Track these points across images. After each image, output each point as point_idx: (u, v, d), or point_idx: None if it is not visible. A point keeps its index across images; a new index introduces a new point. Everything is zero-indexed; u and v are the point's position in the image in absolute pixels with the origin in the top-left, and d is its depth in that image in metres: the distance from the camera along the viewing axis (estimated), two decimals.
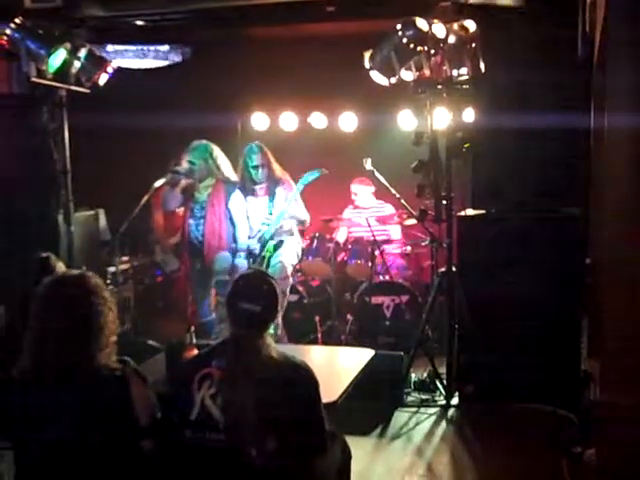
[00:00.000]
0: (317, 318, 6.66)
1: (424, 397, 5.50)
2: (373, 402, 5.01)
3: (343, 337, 6.56)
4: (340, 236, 7.20)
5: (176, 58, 6.92)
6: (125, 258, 7.09)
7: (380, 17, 5.57)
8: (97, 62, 5.61)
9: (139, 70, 6.77)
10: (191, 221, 6.21)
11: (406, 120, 7.23)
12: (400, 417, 5.22)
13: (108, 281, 6.38)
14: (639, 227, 3.61)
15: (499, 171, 5.26)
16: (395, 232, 7.23)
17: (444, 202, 5.41)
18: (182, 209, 6.29)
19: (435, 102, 5.40)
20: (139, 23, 5.75)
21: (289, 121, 7.75)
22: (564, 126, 4.87)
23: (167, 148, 6.56)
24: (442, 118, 5.56)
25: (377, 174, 6.36)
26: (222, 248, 6.12)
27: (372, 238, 6.58)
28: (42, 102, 5.65)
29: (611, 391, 3.67)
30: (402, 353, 5.47)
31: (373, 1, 5.42)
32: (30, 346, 2.60)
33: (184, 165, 6.12)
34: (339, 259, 7.02)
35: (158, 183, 5.99)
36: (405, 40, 4.88)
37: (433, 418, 5.21)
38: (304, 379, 2.79)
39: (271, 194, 6.22)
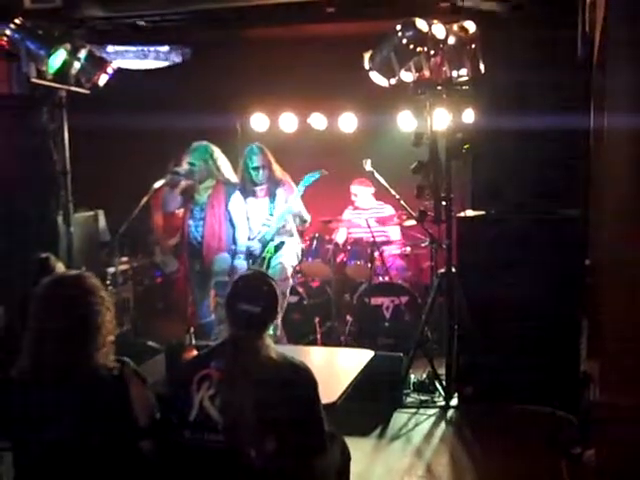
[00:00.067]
0: (317, 319, 6.65)
1: (423, 398, 5.50)
2: (372, 403, 5.01)
3: (342, 338, 6.56)
4: (340, 237, 7.20)
5: (176, 59, 6.93)
6: (124, 259, 7.10)
7: (380, 18, 5.57)
8: (97, 63, 5.61)
9: (139, 71, 6.78)
10: (191, 222, 6.20)
11: (406, 121, 7.23)
12: (399, 418, 5.22)
13: (107, 282, 6.38)
14: (639, 228, 3.60)
15: (499, 172, 5.26)
16: (394, 233, 7.23)
17: (444, 203, 5.41)
18: (182, 210, 6.28)
19: (435, 103, 5.40)
20: (139, 24, 5.75)
21: (289, 122, 7.75)
22: (564, 127, 4.87)
23: (167, 149, 6.56)
24: (442, 119, 5.56)
25: (377, 175, 6.36)
26: (221, 250, 6.11)
27: (372, 239, 6.59)
28: (42, 103, 5.65)
29: (610, 392, 3.67)
30: (401, 354, 5.47)
31: (373, 2, 5.42)
32: (29, 346, 2.60)
33: (184, 166, 6.12)
34: (338, 260, 7.02)
35: (158, 184, 5.99)
36: (405, 41, 4.89)
37: (432, 419, 5.21)
38: (303, 380, 2.79)
39: (272, 195, 6.22)
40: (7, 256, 5.41)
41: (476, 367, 5.28)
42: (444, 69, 5.21)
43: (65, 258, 5.47)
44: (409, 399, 5.49)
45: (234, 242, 6.18)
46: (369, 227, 6.64)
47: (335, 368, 4.19)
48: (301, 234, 6.63)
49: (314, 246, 6.93)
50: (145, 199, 5.97)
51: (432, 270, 6.59)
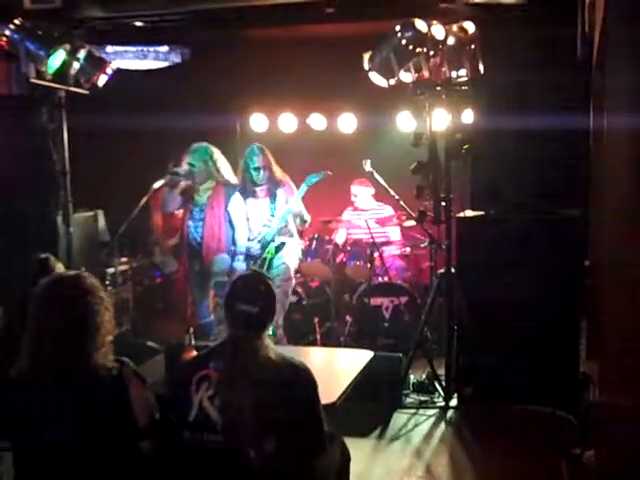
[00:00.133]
0: (316, 319, 6.65)
1: (423, 399, 5.49)
2: (372, 403, 5.01)
3: (342, 338, 6.56)
4: (339, 238, 7.20)
5: (176, 59, 6.93)
6: (124, 259, 7.10)
7: (379, 18, 5.58)
8: (96, 63, 5.61)
9: (138, 71, 6.78)
10: (190, 223, 6.20)
11: (405, 121, 7.23)
12: (399, 418, 5.22)
13: (107, 282, 6.37)
14: (639, 228, 3.60)
15: (498, 172, 5.26)
16: (394, 233, 7.23)
17: (443, 203, 5.41)
18: (181, 211, 6.28)
19: (434, 103, 5.40)
20: (138, 24, 5.75)
21: (288, 122, 7.75)
22: (563, 127, 4.87)
23: (166, 149, 6.56)
24: (441, 119, 5.57)
25: (376, 175, 6.36)
26: (221, 251, 6.11)
27: (371, 240, 6.59)
28: (41, 103, 5.64)
29: (610, 392, 3.67)
30: (401, 354, 5.47)
31: (372, 2, 5.42)
32: (28, 346, 2.60)
33: (184, 167, 6.12)
34: (338, 260, 7.02)
35: (157, 184, 5.99)
36: (404, 41, 4.89)
37: (432, 420, 5.20)
38: (302, 380, 2.79)
39: (272, 196, 6.23)
40: (7, 256, 5.41)
41: (476, 367, 5.28)
42: (443, 69, 5.22)
43: (65, 258, 5.46)
44: (409, 399, 5.48)
45: (233, 243, 6.18)
46: (369, 228, 6.64)
47: (335, 368, 4.19)
48: (301, 234, 6.64)
49: (313, 246, 6.93)
50: (145, 199, 5.97)
51: (431, 270, 6.59)
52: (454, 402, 5.41)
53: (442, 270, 5.54)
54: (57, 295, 2.64)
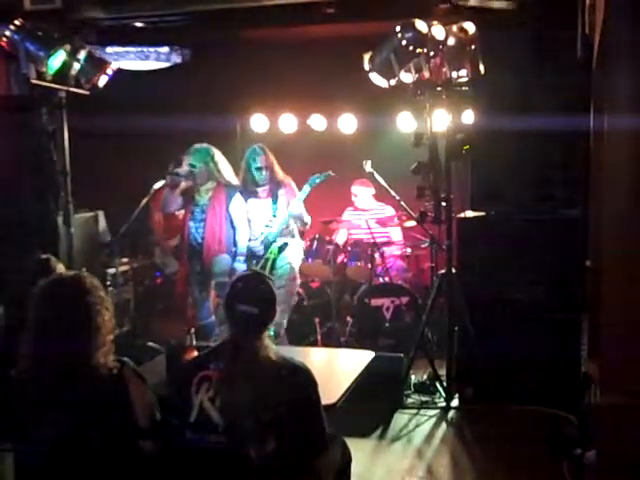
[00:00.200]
0: (317, 320, 6.65)
1: (424, 399, 5.50)
2: (373, 404, 5.01)
3: (343, 339, 6.56)
4: (340, 238, 7.20)
5: (177, 60, 6.93)
6: (125, 260, 7.09)
7: (379, 19, 5.57)
8: (97, 64, 5.60)
9: (138, 72, 6.77)
10: (191, 224, 6.19)
11: (405, 122, 7.24)
12: (400, 419, 5.22)
13: (108, 283, 6.38)
14: (639, 229, 3.60)
15: (499, 173, 5.27)
16: (395, 234, 7.23)
17: (444, 204, 5.41)
18: (182, 211, 6.28)
19: (434, 104, 5.40)
20: (138, 25, 5.75)
21: (288, 123, 7.75)
22: (564, 128, 4.88)
23: (167, 150, 6.56)
24: (441, 120, 5.57)
25: (377, 176, 6.36)
26: (222, 251, 6.11)
27: (372, 240, 6.59)
28: (41, 104, 5.63)
29: (611, 393, 3.67)
30: (402, 355, 5.47)
31: (372, 3, 5.42)
32: (28, 346, 2.60)
33: (184, 168, 6.12)
34: (339, 261, 7.02)
35: (158, 185, 5.99)
36: (404, 42, 4.89)
37: (433, 420, 5.20)
38: (303, 380, 2.79)
39: (274, 196, 6.25)
40: (7, 257, 5.40)
41: (476, 368, 5.28)
42: (444, 70, 5.21)
43: (65, 259, 5.46)
44: (410, 400, 5.49)
45: (234, 244, 6.18)
46: (369, 228, 6.64)
47: (335, 369, 4.19)
48: (301, 235, 6.64)
49: (314, 247, 6.93)
50: (145, 200, 5.97)
51: (432, 271, 6.59)
52: (455, 402, 5.41)
53: (443, 270, 5.54)
54: (57, 295, 2.65)
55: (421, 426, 5.10)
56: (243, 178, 6.28)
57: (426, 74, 5.19)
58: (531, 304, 5.15)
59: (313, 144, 7.56)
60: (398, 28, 4.91)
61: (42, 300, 2.65)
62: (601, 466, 3.73)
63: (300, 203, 6.17)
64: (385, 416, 5.20)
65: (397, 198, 6.30)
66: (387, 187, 6.34)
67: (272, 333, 5.47)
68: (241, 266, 6.05)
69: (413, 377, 5.65)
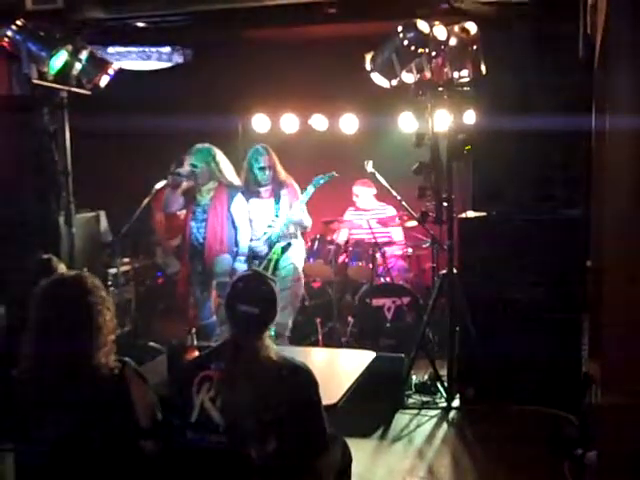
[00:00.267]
0: (318, 320, 6.65)
1: (425, 399, 5.50)
2: (374, 404, 5.00)
3: (344, 339, 6.55)
4: (341, 238, 7.20)
5: (178, 60, 6.94)
6: (126, 260, 7.09)
7: (381, 19, 5.57)
8: (98, 64, 5.61)
9: (140, 72, 6.78)
10: (193, 224, 6.19)
11: (407, 122, 7.24)
12: (401, 419, 5.21)
13: (109, 282, 6.38)
14: None
15: (500, 173, 5.27)
16: (397, 234, 7.23)
17: (445, 204, 5.41)
18: (183, 211, 6.28)
19: (436, 104, 5.40)
20: (140, 25, 5.75)
21: (290, 123, 7.75)
22: (565, 128, 4.88)
23: (168, 150, 6.56)
24: (443, 120, 5.56)
25: (378, 176, 6.36)
26: (223, 251, 6.10)
27: (373, 240, 6.59)
28: (43, 104, 5.64)
29: (612, 393, 3.66)
30: (403, 355, 5.47)
31: (374, 3, 5.42)
32: (29, 346, 2.61)
33: (186, 168, 6.12)
34: (340, 261, 7.02)
35: (159, 185, 5.99)
36: (406, 42, 4.89)
37: (434, 420, 5.20)
38: (304, 380, 2.79)
39: (276, 196, 6.26)
40: (9, 257, 5.41)
41: (478, 368, 5.28)
42: (445, 70, 5.21)
43: (67, 259, 5.46)
44: (411, 400, 5.48)
45: (236, 244, 6.18)
46: (370, 228, 6.64)
47: (336, 369, 4.19)
48: (302, 235, 6.65)
49: (315, 247, 6.94)
50: (147, 200, 5.98)
51: (433, 271, 6.59)
52: (456, 403, 5.41)
53: (444, 271, 5.54)
54: (59, 295, 2.65)
55: (422, 426, 5.10)
56: (245, 178, 6.28)
57: (428, 74, 5.19)
58: (532, 304, 5.14)
59: (314, 144, 7.57)
60: (400, 28, 4.91)
61: (44, 300, 2.65)
62: (602, 466, 3.73)
63: (303, 205, 6.18)
64: (386, 416, 5.20)
65: (398, 198, 6.30)
66: (388, 187, 6.34)
67: (273, 333, 5.49)
68: (242, 266, 6.05)
69: (414, 377, 5.65)
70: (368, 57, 5.16)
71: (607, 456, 3.69)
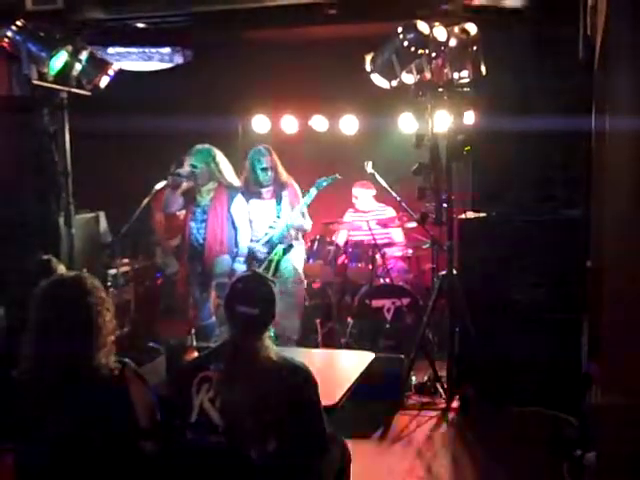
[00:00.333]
0: (317, 321, 6.65)
1: (425, 400, 5.50)
2: (373, 405, 5.01)
3: (343, 340, 6.55)
4: (340, 239, 7.20)
5: (179, 60, 6.94)
6: (125, 260, 7.08)
7: (381, 20, 5.57)
8: (98, 65, 5.61)
9: (140, 73, 6.78)
10: (192, 224, 6.20)
11: (407, 123, 7.24)
12: (400, 420, 5.21)
13: (108, 283, 6.37)
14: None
15: (500, 174, 5.27)
16: (397, 235, 7.22)
17: (445, 205, 5.41)
18: (183, 212, 6.28)
19: (436, 105, 5.40)
20: (140, 26, 5.75)
21: (290, 124, 7.75)
22: (565, 129, 4.88)
23: (168, 150, 6.57)
24: (443, 121, 5.57)
25: (378, 177, 6.36)
26: (223, 252, 6.11)
27: (373, 241, 6.59)
28: (43, 104, 5.64)
29: (612, 394, 3.66)
30: (403, 356, 5.47)
31: (374, 4, 5.42)
32: (29, 347, 2.61)
33: (186, 168, 6.12)
34: (339, 262, 7.02)
35: (159, 185, 5.99)
36: (406, 43, 4.90)
37: (434, 421, 5.20)
38: (303, 381, 2.79)
39: (277, 197, 6.28)
40: (8, 257, 5.41)
41: (477, 369, 5.28)
42: (445, 71, 5.22)
43: (66, 260, 5.46)
44: (410, 401, 5.49)
45: (236, 245, 6.19)
46: (370, 229, 6.64)
47: (336, 370, 4.19)
48: (302, 236, 6.65)
49: (315, 247, 6.93)
50: (146, 200, 5.97)
51: (433, 272, 6.58)
52: (456, 404, 5.41)
53: (444, 271, 5.54)
54: (59, 296, 2.65)
55: (422, 427, 5.10)
56: (246, 178, 6.29)
57: (428, 75, 5.20)
58: (532, 305, 5.14)
59: (314, 145, 7.57)
60: (400, 29, 4.91)
61: (43, 301, 2.65)
62: (601, 467, 3.73)
63: (304, 208, 6.20)
64: (386, 417, 5.20)
65: (398, 199, 6.30)
66: (388, 188, 6.34)
67: (272, 334, 5.49)
68: (241, 267, 6.05)
69: (414, 378, 5.65)
70: (368, 58, 5.17)
71: (606, 457, 3.69)
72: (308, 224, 6.37)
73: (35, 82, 5.26)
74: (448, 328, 5.46)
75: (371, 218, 7.00)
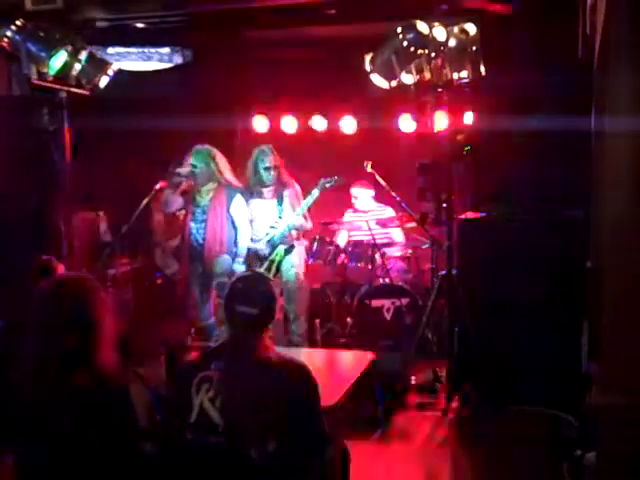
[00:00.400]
0: (317, 321, 6.65)
1: (425, 400, 5.49)
2: (373, 405, 5.00)
3: (343, 340, 6.55)
4: (340, 239, 7.19)
5: (179, 60, 6.94)
6: (125, 260, 7.09)
7: (380, 20, 5.57)
8: (98, 64, 5.62)
9: (139, 72, 6.78)
10: (192, 224, 6.19)
11: (406, 123, 7.23)
12: (401, 420, 5.21)
13: (108, 283, 6.37)
14: None
15: (500, 173, 5.27)
16: (397, 235, 7.22)
17: (444, 205, 5.41)
18: (183, 212, 6.28)
19: (435, 105, 5.40)
20: (139, 25, 5.75)
21: (289, 124, 7.75)
22: (565, 128, 4.88)
23: (168, 150, 6.56)
24: (442, 121, 5.56)
25: (377, 177, 6.36)
26: (223, 252, 6.10)
27: (372, 241, 6.58)
28: (42, 104, 5.64)
29: (612, 393, 3.67)
30: (402, 356, 5.47)
31: (373, 4, 5.42)
32: (29, 348, 2.60)
33: (185, 168, 6.12)
34: (339, 262, 7.01)
35: (159, 185, 5.99)
36: (406, 43, 4.90)
37: (434, 421, 5.19)
38: (303, 381, 2.79)
39: (279, 197, 6.28)
40: (8, 257, 5.41)
41: (477, 369, 5.27)
42: (445, 71, 5.22)
43: (66, 260, 5.46)
44: (410, 401, 5.48)
45: (236, 245, 6.19)
46: (370, 229, 6.63)
47: (336, 370, 4.20)
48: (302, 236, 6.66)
49: (315, 247, 6.92)
50: (146, 200, 5.97)
51: (433, 272, 6.59)
52: (455, 403, 5.40)
53: (443, 271, 5.54)
54: (59, 296, 2.65)
55: (422, 427, 5.10)
56: (249, 178, 6.30)
57: (427, 75, 5.20)
58: (532, 305, 5.14)
59: (314, 145, 7.56)
60: (399, 29, 4.92)
61: (43, 301, 2.65)
62: (601, 467, 3.73)
63: (305, 209, 6.21)
64: (385, 417, 5.19)
65: (398, 199, 6.30)
66: (388, 188, 6.34)
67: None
68: (240, 268, 6.05)
69: (413, 378, 5.65)
70: (368, 58, 5.17)
71: (606, 457, 3.69)
72: (309, 224, 6.38)
73: (35, 82, 5.26)
74: (448, 328, 5.46)
75: (370, 218, 6.99)
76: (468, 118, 5.64)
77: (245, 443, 2.64)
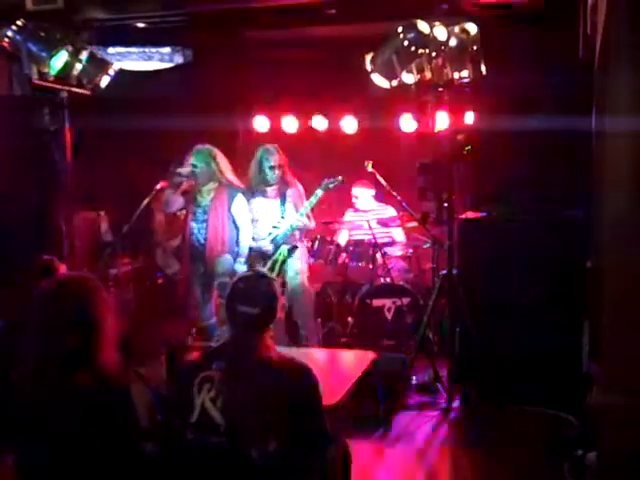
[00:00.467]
0: (318, 320, 6.65)
1: (425, 400, 5.49)
2: (374, 404, 5.01)
3: (344, 339, 6.56)
4: (341, 239, 7.19)
5: (179, 60, 6.94)
6: (126, 260, 7.09)
7: (381, 20, 5.57)
8: (99, 64, 5.62)
9: (140, 72, 6.78)
10: (193, 224, 6.19)
11: (407, 123, 7.23)
12: (401, 420, 5.21)
13: (109, 283, 6.37)
14: None
15: (500, 173, 5.27)
16: (398, 234, 7.22)
17: (445, 204, 5.41)
18: (184, 212, 6.28)
19: (436, 104, 5.40)
20: (140, 25, 5.76)
21: (290, 124, 7.75)
22: (565, 128, 4.88)
23: (168, 150, 6.57)
24: (443, 121, 5.57)
25: (378, 177, 6.36)
26: (224, 252, 6.10)
27: (373, 240, 6.59)
28: (43, 104, 5.65)
29: (613, 393, 3.66)
30: (403, 355, 5.47)
31: (374, 4, 5.42)
32: (30, 347, 2.61)
33: (186, 168, 6.12)
34: (340, 261, 7.01)
35: (160, 185, 5.99)
36: (406, 43, 4.89)
37: (434, 421, 5.20)
38: (304, 380, 2.79)
39: (282, 197, 6.29)
40: (8, 257, 5.41)
41: (477, 369, 5.28)
42: (445, 71, 5.21)
43: (67, 260, 5.47)
44: (411, 401, 5.48)
45: (237, 244, 6.19)
46: (371, 229, 6.63)
47: (337, 370, 4.20)
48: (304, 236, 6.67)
49: (316, 247, 6.93)
50: (147, 200, 5.97)
51: (434, 271, 6.59)
52: (456, 403, 5.41)
53: (444, 271, 5.54)
54: (60, 296, 2.65)
55: (422, 427, 5.10)
56: (253, 177, 6.30)
57: (428, 75, 5.20)
58: (532, 305, 5.14)
59: (314, 145, 7.56)
60: (400, 29, 4.91)
61: (44, 301, 2.66)
62: (602, 467, 3.73)
63: (309, 208, 6.21)
64: (386, 417, 5.19)
65: (399, 199, 6.30)
66: (389, 188, 6.34)
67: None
68: (242, 267, 6.05)
69: (414, 378, 5.65)
70: (368, 58, 5.17)
71: (607, 457, 3.69)
72: (313, 224, 6.39)
73: (36, 82, 5.26)
74: (448, 328, 5.46)
75: (371, 217, 6.99)
76: (469, 118, 5.64)
77: (246, 443, 2.64)
